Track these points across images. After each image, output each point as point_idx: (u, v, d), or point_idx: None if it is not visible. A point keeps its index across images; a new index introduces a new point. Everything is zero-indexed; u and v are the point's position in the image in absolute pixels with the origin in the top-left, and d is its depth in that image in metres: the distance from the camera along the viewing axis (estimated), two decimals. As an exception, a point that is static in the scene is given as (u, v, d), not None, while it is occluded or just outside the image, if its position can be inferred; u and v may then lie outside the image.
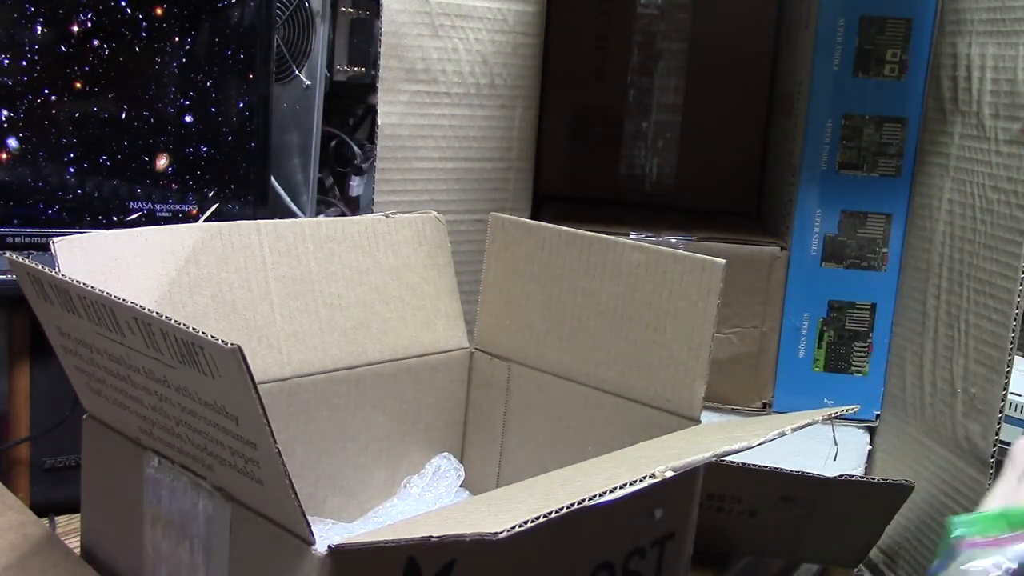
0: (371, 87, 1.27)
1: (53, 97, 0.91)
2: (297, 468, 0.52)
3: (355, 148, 1.31)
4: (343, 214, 1.30)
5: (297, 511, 0.51)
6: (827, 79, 0.93)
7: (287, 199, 1.20)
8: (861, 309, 0.95)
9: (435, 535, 0.45)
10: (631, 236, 0.94)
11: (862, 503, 0.79)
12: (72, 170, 0.93)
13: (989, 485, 0.75)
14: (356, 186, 1.33)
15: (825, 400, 0.97)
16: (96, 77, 0.93)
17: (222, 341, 0.48)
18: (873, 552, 0.89)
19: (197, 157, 1.01)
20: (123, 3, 0.94)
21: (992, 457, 0.78)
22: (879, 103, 0.92)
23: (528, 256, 0.81)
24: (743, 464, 0.77)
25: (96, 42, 0.93)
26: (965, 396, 0.82)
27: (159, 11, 0.96)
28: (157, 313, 0.51)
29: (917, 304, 0.90)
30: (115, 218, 0.96)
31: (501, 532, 0.43)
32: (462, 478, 0.85)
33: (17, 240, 0.91)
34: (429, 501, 0.82)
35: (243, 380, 0.48)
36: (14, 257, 0.61)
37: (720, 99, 1.15)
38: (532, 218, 0.98)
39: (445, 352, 0.85)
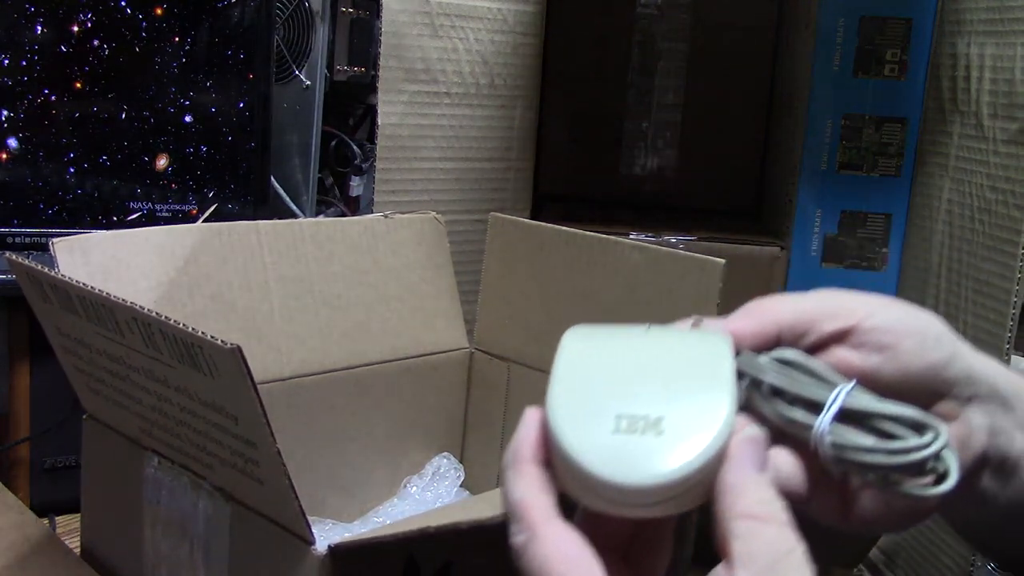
0: (371, 87, 1.27)
1: (53, 97, 0.91)
2: (297, 468, 0.52)
3: (355, 148, 1.31)
4: (343, 214, 1.30)
5: (297, 511, 0.51)
6: (827, 79, 0.93)
7: (287, 199, 1.20)
8: (861, 309, 0.95)
9: (433, 526, 0.45)
10: (631, 236, 0.94)
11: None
12: (72, 170, 0.93)
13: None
14: (356, 186, 1.34)
15: (825, 400, 0.97)
16: (96, 77, 0.93)
17: (222, 341, 0.48)
18: (873, 552, 0.89)
19: (197, 157, 1.01)
20: (123, 3, 0.94)
21: (991, 457, 0.78)
22: (879, 103, 0.92)
23: (528, 256, 0.82)
24: (743, 464, 0.77)
25: (96, 42, 0.93)
26: (964, 396, 0.81)
27: (159, 11, 0.96)
28: (157, 313, 0.51)
29: (916, 304, 0.90)
30: (115, 218, 0.97)
31: (498, 516, 0.43)
32: (462, 478, 0.85)
33: (17, 240, 0.91)
34: (429, 501, 0.82)
35: (243, 380, 0.48)
36: (14, 257, 0.61)
37: (720, 99, 1.15)
38: (532, 218, 0.98)
39: (445, 352, 0.85)
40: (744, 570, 0.34)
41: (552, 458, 0.37)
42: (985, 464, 0.44)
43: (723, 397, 0.37)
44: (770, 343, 0.43)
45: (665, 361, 0.39)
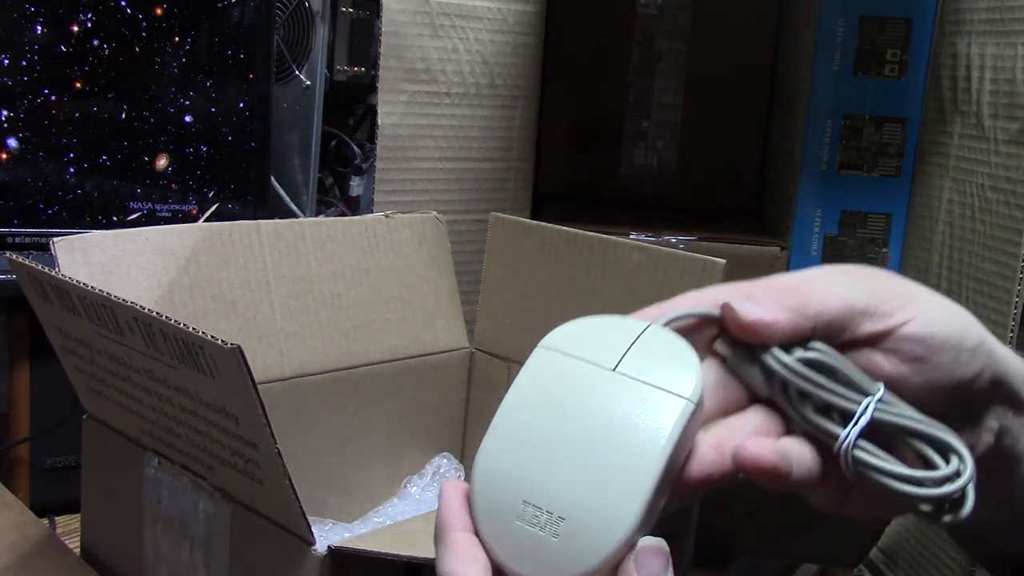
0: (371, 87, 1.27)
1: (53, 97, 0.91)
2: (297, 468, 0.52)
3: (355, 148, 1.31)
4: (343, 214, 1.30)
5: (297, 511, 0.51)
6: (827, 79, 0.93)
7: (287, 199, 1.20)
8: (861, 309, 0.95)
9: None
10: (631, 236, 0.94)
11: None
12: (72, 170, 0.93)
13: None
14: (356, 186, 1.34)
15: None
16: (96, 77, 0.93)
17: (222, 341, 0.48)
18: (873, 552, 0.89)
19: (197, 157, 1.01)
20: (123, 3, 0.94)
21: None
22: (879, 103, 0.92)
23: (528, 256, 0.81)
24: (743, 464, 0.76)
25: (96, 42, 0.93)
26: (965, 396, 0.81)
27: (159, 11, 0.96)
28: (157, 313, 0.51)
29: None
30: (115, 218, 0.97)
31: None
32: (462, 478, 0.85)
33: (17, 240, 0.91)
34: (429, 501, 0.82)
35: (243, 380, 0.48)
36: (14, 257, 0.61)
37: (720, 99, 1.15)
38: (532, 218, 0.98)
39: (445, 352, 0.85)
40: None
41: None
42: (983, 462, 0.43)
43: (633, 504, 0.37)
44: (804, 337, 0.41)
45: (596, 441, 0.38)
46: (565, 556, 0.36)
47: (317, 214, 1.25)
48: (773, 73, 1.15)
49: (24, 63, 0.89)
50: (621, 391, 0.40)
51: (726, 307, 0.42)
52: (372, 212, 0.85)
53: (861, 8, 0.91)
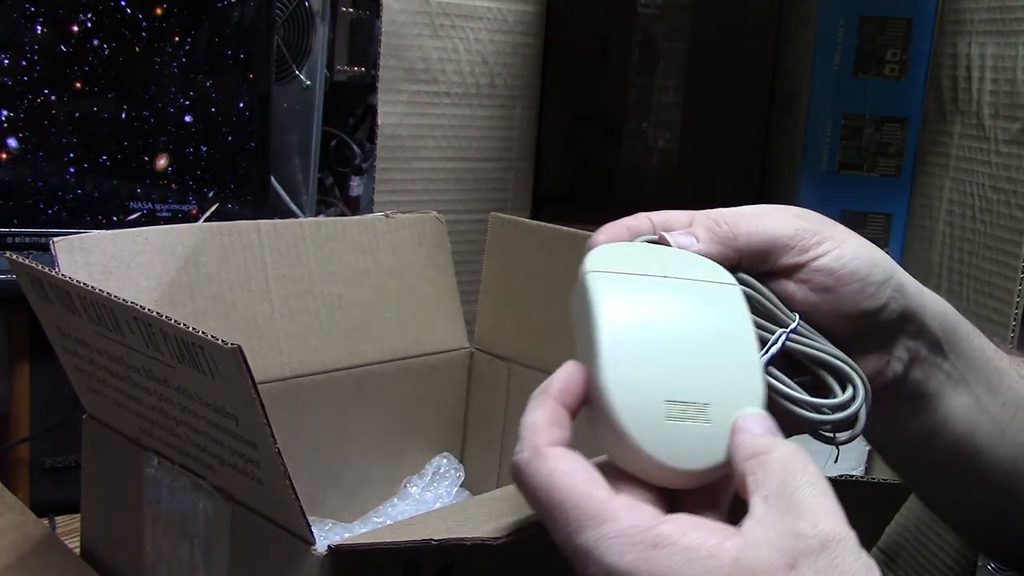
0: (371, 87, 1.27)
1: (53, 97, 0.91)
2: (297, 468, 0.52)
3: (355, 148, 1.31)
4: (343, 214, 1.30)
5: (297, 511, 0.51)
6: (827, 79, 0.93)
7: (287, 199, 1.20)
8: (861, 309, 0.95)
9: (435, 538, 0.45)
10: (631, 236, 0.94)
11: (862, 503, 0.79)
12: (72, 170, 0.93)
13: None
14: (356, 186, 1.34)
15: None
16: (96, 77, 0.93)
17: (222, 341, 0.48)
18: (873, 552, 0.89)
19: (197, 157, 1.01)
20: (123, 3, 0.94)
21: (992, 457, 0.78)
22: (879, 103, 0.92)
23: (528, 256, 0.81)
24: (743, 464, 0.77)
25: (96, 42, 0.93)
26: (965, 396, 0.81)
27: (159, 11, 0.96)
28: (157, 313, 0.51)
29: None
30: (115, 218, 0.97)
31: (501, 537, 0.44)
32: (462, 478, 0.85)
33: (17, 240, 0.91)
34: (429, 501, 0.82)
35: (243, 380, 0.48)
36: (14, 257, 0.61)
37: (720, 99, 1.15)
38: (532, 218, 0.98)
39: (445, 352, 0.85)
40: (758, 495, 0.37)
41: (599, 425, 0.40)
42: (896, 393, 0.48)
43: (755, 376, 0.41)
44: (731, 266, 0.46)
45: (698, 331, 0.42)
46: (723, 433, 0.39)
47: (317, 214, 1.25)
48: (773, 73, 1.15)
49: (24, 63, 0.89)
50: (689, 291, 0.44)
51: (662, 239, 0.47)
52: (372, 212, 0.85)
53: (861, 8, 0.91)
